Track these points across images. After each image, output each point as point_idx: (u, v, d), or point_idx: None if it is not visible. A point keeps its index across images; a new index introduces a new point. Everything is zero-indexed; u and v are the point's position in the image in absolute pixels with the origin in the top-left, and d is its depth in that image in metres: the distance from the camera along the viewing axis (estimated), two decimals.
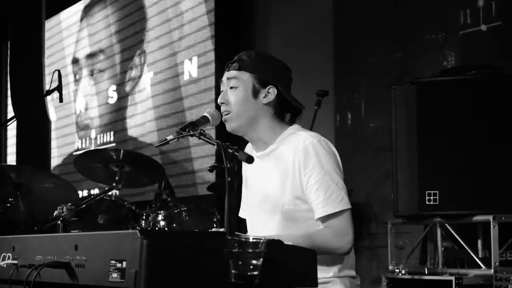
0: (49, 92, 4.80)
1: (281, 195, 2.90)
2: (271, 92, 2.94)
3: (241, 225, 3.21)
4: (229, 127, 2.97)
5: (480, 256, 4.21)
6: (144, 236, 2.04)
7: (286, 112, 3.03)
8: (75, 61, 9.38)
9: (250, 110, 2.93)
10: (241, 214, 3.19)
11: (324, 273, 2.84)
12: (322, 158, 2.84)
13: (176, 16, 7.53)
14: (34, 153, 8.53)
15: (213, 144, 2.65)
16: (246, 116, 2.94)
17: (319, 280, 2.40)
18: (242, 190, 3.18)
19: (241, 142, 3.04)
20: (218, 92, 3.13)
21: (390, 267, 4.39)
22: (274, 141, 2.97)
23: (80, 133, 9.16)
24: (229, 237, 2.01)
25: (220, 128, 3.02)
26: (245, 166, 3.13)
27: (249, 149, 3.10)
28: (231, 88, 2.94)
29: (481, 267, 4.02)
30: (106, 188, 4.94)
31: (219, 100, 2.97)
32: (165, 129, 7.51)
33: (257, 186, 3.03)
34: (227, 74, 2.97)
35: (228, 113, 2.93)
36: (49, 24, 9.70)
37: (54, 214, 4.44)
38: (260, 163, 2.97)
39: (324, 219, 2.82)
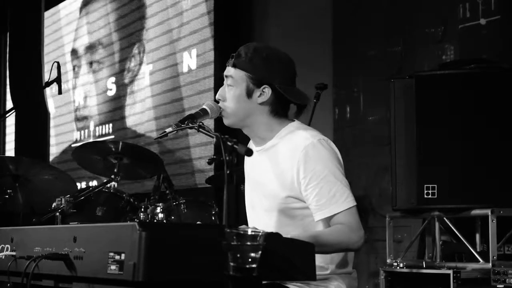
0: (48, 84, 4.81)
1: (278, 192, 2.88)
2: (266, 92, 2.87)
3: (239, 217, 3.21)
4: (225, 122, 2.97)
5: (478, 250, 4.21)
6: (143, 228, 2.04)
7: (287, 107, 2.99)
8: (74, 53, 9.37)
9: (244, 109, 2.90)
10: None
11: (321, 270, 2.82)
12: (324, 157, 2.80)
13: (176, 16, 7.52)
14: (32, 144, 8.53)
15: (212, 137, 2.64)
16: (240, 114, 2.91)
17: (316, 277, 2.39)
18: (246, 187, 3.15)
19: (240, 135, 3.04)
20: (217, 85, 3.12)
21: (388, 261, 4.40)
22: (272, 137, 2.94)
23: (79, 125, 9.15)
24: (228, 230, 2.01)
25: (219, 120, 3.01)
26: (246, 162, 3.12)
27: (251, 144, 3.09)
28: (228, 85, 2.92)
29: (479, 261, 4.02)
30: (105, 180, 4.94)
31: (216, 96, 2.95)
32: (163, 120, 7.52)
33: (256, 182, 3.02)
34: (226, 70, 2.95)
35: (224, 110, 2.92)
36: (48, 15, 9.68)
37: (53, 206, 4.45)
38: (259, 159, 2.96)
39: (330, 219, 2.78)
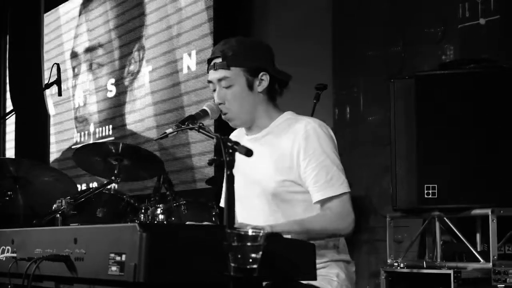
0: (48, 85, 4.81)
1: (271, 177, 2.92)
2: (265, 79, 2.95)
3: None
4: (233, 124, 3.01)
5: (478, 249, 4.21)
6: (143, 229, 2.04)
7: (277, 90, 3.02)
8: (74, 55, 9.37)
9: (249, 103, 2.95)
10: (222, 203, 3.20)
11: (319, 257, 2.85)
12: (323, 142, 2.88)
13: (175, 12, 7.53)
14: (33, 146, 8.53)
15: (212, 138, 2.65)
16: (246, 110, 2.96)
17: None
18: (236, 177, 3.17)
19: None
20: None
21: (389, 261, 4.40)
22: (268, 125, 2.99)
23: (79, 127, 9.15)
24: (228, 231, 2.01)
25: (219, 121, 3.02)
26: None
27: (238, 132, 3.12)
28: (225, 87, 2.93)
29: (480, 261, 4.02)
30: (105, 182, 4.94)
31: (216, 101, 2.96)
32: (164, 120, 7.52)
33: (247, 168, 3.03)
34: (216, 74, 2.93)
35: (229, 113, 2.94)
36: (47, 18, 9.69)
37: (53, 208, 4.44)
38: (252, 147, 2.98)
39: (325, 201, 2.84)
